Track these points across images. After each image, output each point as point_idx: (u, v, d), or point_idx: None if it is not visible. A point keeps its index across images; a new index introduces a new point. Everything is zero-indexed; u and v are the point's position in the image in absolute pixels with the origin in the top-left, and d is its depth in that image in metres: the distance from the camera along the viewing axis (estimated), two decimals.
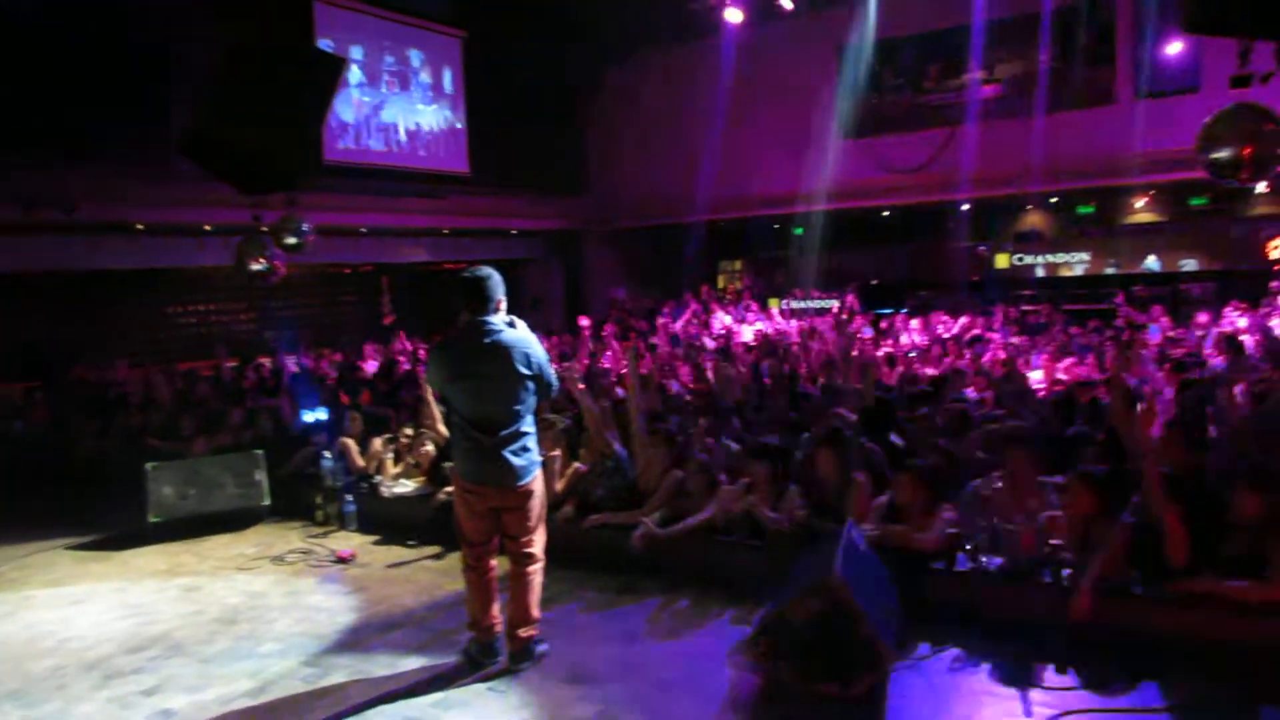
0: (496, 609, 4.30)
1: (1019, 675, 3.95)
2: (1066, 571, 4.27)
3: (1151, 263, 15.54)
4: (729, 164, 16.10)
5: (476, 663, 4.26)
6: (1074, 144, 13.66)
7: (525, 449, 4.13)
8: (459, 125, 16.12)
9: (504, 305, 4.18)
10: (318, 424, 7.19)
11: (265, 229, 8.18)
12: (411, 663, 4.39)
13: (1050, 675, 3.93)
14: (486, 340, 4.05)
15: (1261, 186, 14.40)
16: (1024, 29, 14.15)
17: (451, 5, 15.82)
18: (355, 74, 14.13)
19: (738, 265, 20.21)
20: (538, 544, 4.28)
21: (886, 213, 16.58)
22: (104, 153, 10.77)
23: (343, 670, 4.36)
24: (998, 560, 4.48)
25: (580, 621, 4.86)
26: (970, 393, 7.25)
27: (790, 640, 3.89)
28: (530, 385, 4.12)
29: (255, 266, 8.89)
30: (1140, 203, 15.92)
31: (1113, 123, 13.57)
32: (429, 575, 5.72)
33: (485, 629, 4.27)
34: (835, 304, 15.08)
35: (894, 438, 5.78)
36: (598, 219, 18.71)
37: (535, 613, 4.28)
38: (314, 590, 5.55)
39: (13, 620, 5.26)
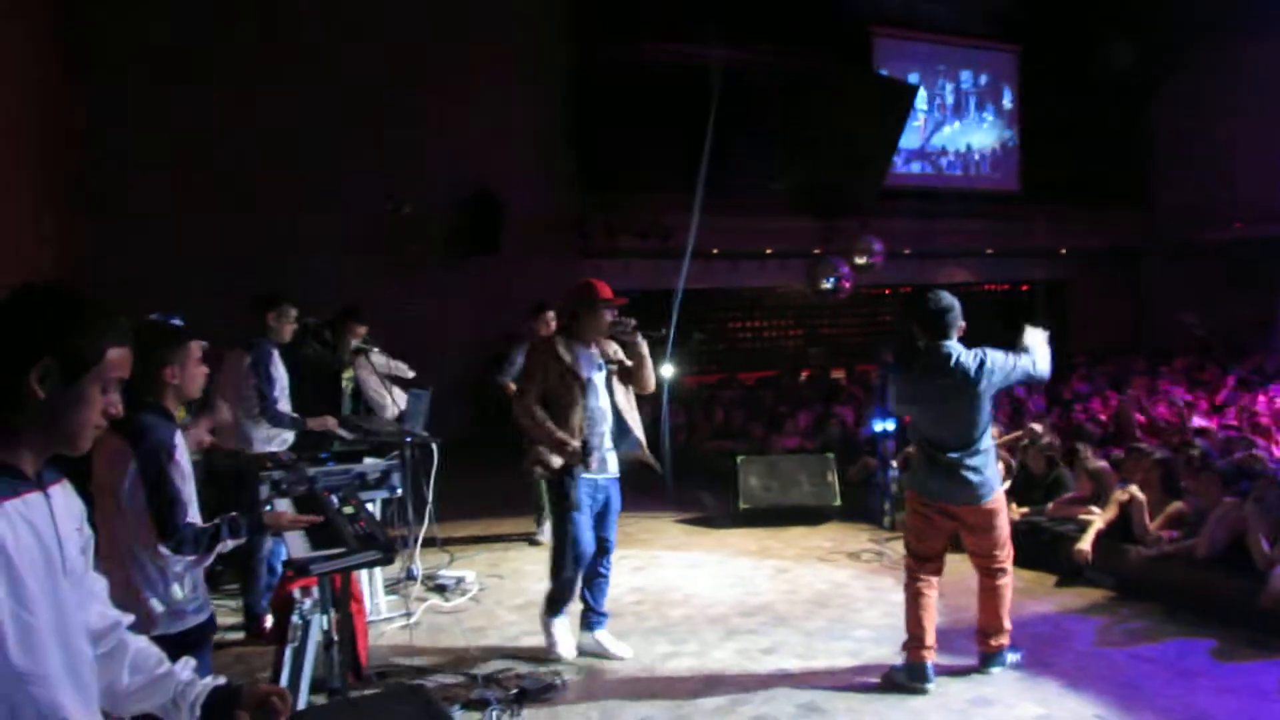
0: (934, 635, 4.33)
1: None
2: None
3: None
4: None
5: (901, 687, 4.27)
6: None
7: (982, 467, 4.24)
8: (1011, 143, 15.69)
9: (963, 330, 4.33)
10: (884, 434, 7.51)
11: (836, 251, 8.82)
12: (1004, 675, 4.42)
13: None
14: (947, 364, 4.23)
15: None
16: None
17: (1004, 22, 15.48)
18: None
19: None
20: (1006, 559, 4.41)
21: None
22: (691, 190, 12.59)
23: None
24: None
25: (1195, 667, 4.45)
26: None
27: None
28: (986, 406, 4.26)
29: (824, 285, 9.68)
30: None
31: None
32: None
33: (925, 651, 4.30)
34: None
35: None
36: (1162, 234, 16.73)
37: (1006, 622, 4.41)
38: (894, 588, 5.82)
39: (648, 573, 6.38)
